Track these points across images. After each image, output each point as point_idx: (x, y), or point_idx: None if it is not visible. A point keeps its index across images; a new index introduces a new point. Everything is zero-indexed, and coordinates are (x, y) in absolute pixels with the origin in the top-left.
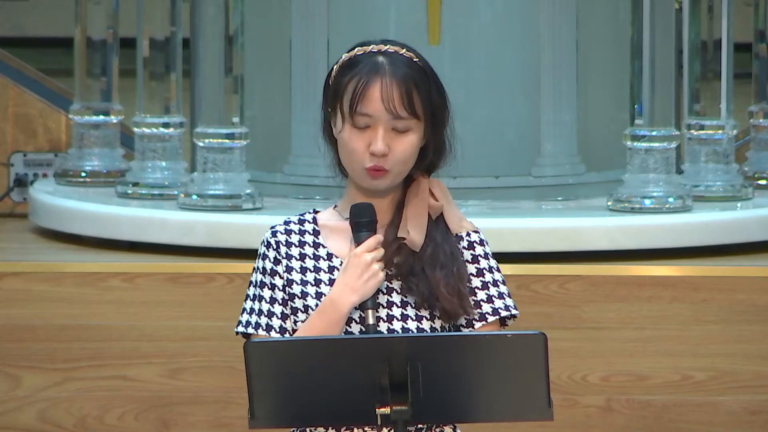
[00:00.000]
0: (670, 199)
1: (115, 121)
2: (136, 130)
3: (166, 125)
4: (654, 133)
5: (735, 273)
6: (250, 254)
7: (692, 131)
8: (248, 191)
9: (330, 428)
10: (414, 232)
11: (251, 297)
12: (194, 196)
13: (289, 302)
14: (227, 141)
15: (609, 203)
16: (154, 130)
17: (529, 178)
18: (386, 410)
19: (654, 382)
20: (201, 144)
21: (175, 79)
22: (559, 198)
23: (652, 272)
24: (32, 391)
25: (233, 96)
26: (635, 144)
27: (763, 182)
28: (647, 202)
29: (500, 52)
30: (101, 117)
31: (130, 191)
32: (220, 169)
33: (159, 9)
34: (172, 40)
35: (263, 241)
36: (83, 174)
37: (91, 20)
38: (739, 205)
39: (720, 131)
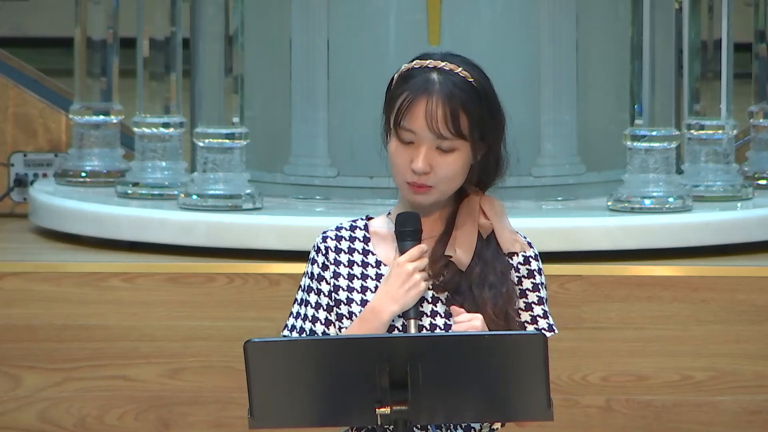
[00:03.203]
0: (670, 199)
1: (115, 121)
2: (136, 130)
3: (166, 125)
4: (654, 133)
5: (735, 273)
6: (250, 254)
7: (692, 131)
8: (248, 191)
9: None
10: (461, 251)
11: (298, 301)
12: (194, 196)
13: (334, 308)
14: (227, 141)
15: (609, 203)
16: (154, 130)
17: (529, 178)
18: (386, 410)
19: (654, 382)
20: (201, 144)
21: (175, 79)
22: (559, 198)
23: (652, 272)
24: (32, 391)
25: (233, 96)
26: (635, 144)
27: (763, 182)
28: (647, 202)
29: (500, 52)
30: (101, 117)
31: (130, 191)
32: (220, 169)
33: (159, 9)
34: (172, 40)
35: (314, 246)
36: (83, 174)
37: (91, 20)
38: (739, 205)
39: (720, 131)
